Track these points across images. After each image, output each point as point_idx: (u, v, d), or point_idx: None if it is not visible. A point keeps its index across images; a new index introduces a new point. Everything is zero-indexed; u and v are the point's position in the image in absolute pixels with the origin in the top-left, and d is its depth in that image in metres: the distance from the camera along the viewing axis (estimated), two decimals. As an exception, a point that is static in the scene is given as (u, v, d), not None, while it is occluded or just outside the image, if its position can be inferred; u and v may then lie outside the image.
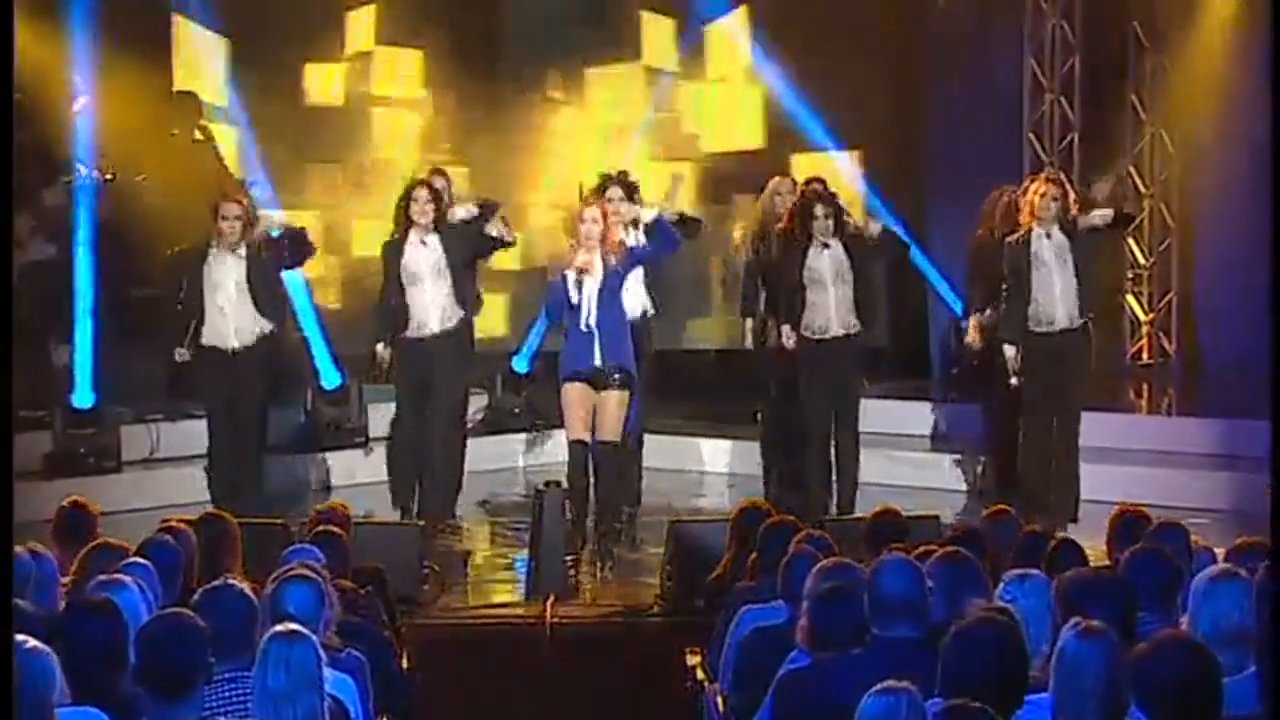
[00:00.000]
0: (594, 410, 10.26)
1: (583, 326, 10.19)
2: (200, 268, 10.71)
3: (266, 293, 10.78)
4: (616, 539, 10.45)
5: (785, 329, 11.09)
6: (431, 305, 10.89)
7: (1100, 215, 10.96)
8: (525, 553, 10.07)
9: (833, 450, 11.11)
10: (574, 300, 10.17)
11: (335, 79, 14.73)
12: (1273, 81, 7.15)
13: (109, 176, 12.94)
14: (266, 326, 10.76)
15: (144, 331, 12.49)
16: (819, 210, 10.91)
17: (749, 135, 15.23)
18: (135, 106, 13.10)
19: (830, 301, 10.93)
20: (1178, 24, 14.70)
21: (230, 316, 10.68)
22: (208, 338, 10.71)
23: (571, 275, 10.16)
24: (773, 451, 11.86)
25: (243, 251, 10.70)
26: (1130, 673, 4.72)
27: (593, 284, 10.18)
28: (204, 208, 10.99)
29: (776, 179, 12.06)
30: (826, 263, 10.91)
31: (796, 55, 14.58)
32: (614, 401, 10.26)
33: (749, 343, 11.84)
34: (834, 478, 11.09)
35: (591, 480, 10.30)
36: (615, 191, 10.81)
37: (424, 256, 10.86)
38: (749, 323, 11.80)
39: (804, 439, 11.14)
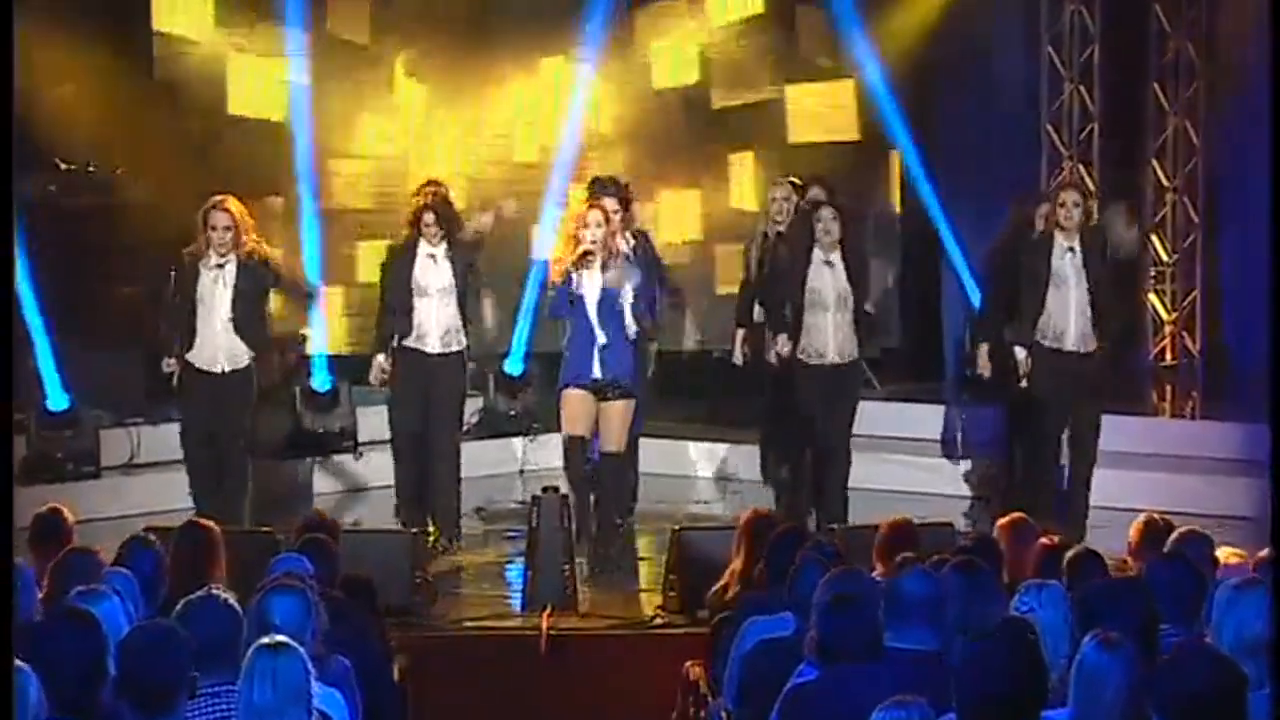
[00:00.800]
0: (596, 417, 10.34)
1: (583, 338, 10.28)
2: (193, 282, 10.58)
3: (254, 314, 10.67)
4: (610, 549, 10.46)
5: (781, 338, 10.93)
6: (436, 321, 10.90)
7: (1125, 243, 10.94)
8: (521, 561, 10.08)
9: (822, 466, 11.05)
10: (578, 292, 10.21)
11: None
12: (1272, 81, 7.17)
13: (89, 169, 12.95)
14: (252, 351, 10.64)
15: (124, 331, 12.49)
16: (824, 212, 10.80)
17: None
18: (115, 95, 13.12)
19: (829, 326, 10.78)
20: (1202, 9, 14.70)
21: (218, 339, 10.58)
22: (193, 357, 10.59)
23: (574, 273, 10.22)
24: (767, 460, 11.91)
25: (232, 267, 10.55)
26: (1152, 686, 4.73)
27: (593, 293, 10.24)
28: (188, 203, 10.93)
29: (776, 183, 12.06)
30: (829, 282, 10.75)
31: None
32: (618, 412, 10.36)
33: (736, 357, 11.83)
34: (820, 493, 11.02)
35: (593, 484, 10.39)
36: (610, 203, 10.84)
37: (434, 273, 10.89)
38: (741, 334, 11.80)
39: (793, 455, 11.09)
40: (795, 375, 10.91)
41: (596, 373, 10.34)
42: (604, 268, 10.31)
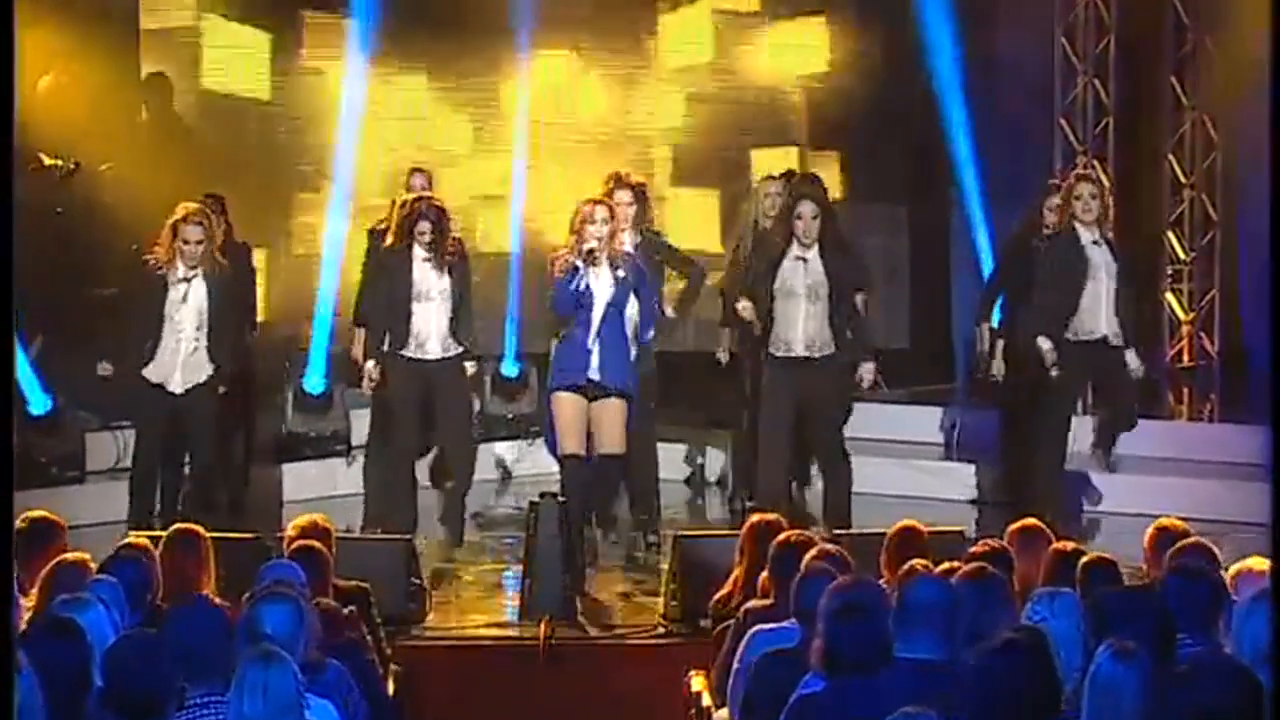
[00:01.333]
0: (589, 422, 10.25)
1: (582, 340, 10.19)
2: (160, 296, 10.46)
3: (229, 328, 10.62)
4: (634, 549, 10.38)
5: (744, 303, 10.81)
6: (435, 328, 10.75)
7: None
8: (519, 568, 10.07)
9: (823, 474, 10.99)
10: (585, 289, 10.15)
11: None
12: (1272, 79, 7.18)
13: (73, 166, 12.96)
14: (221, 367, 10.57)
15: (110, 332, 12.47)
16: (803, 209, 10.65)
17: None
18: (100, 90, 13.12)
19: (800, 317, 10.63)
20: (1221, -1, 14.70)
21: (181, 355, 10.48)
22: (152, 371, 10.50)
23: (581, 265, 10.15)
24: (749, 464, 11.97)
25: (202, 281, 10.44)
26: (1169, 698, 4.73)
27: (602, 292, 10.18)
28: (175, 201, 10.90)
29: (765, 178, 12.06)
30: (800, 275, 10.62)
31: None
32: (613, 410, 10.23)
33: (721, 355, 11.81)
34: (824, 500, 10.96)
35: (595, 495, 10.35)
36: (623, 195, 10.82)
37: (434, 276, 10.74)
38: (727, 334, 11.78)
39: (764, 457, 11.05)
40: (764, 373, 10.84)
41: (594, 374, 10.23)
42: (613, 265, 10.24)
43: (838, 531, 9.94)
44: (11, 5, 6.03)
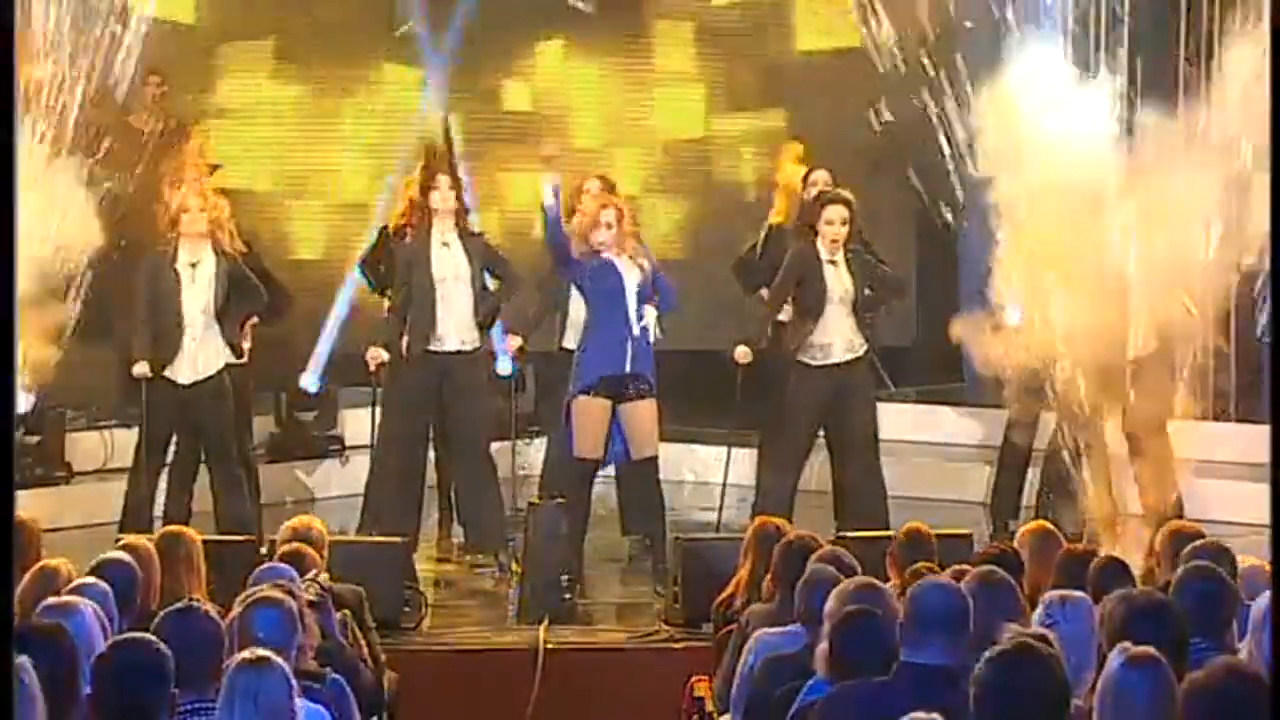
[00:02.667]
0: (614, 426, 10.23)
1: (615, 329, 10.16)
2: (157, 283, 10.42)
3: (241, 312, 10.58)
4: (662, 558, 10.36)
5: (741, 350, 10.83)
6: (452, 317, 10.64)
7: None
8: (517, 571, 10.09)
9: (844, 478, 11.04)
10: (615, 281, 10.14)
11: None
12: (1272, 79, 7.21)
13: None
14: (232, 357, 10.55)
15: (96, 326, 12.47)
16: (832, 213, 10.62)
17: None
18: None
19: (832, 324, 10.64)
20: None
21: (187, 349, 10.44)
22: (157, 364, 10.45)
23: (605, 254, 10.17)
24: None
25: (208, 266, 10.40)
26: (1183, 704, 4.74)
27: (632, 281, 10.17)
28: (159, 190, 10.87)
29: (817, 172, 11.99)
30: (835, 283, 10.64)
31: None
32: (646, 412, 10.24)
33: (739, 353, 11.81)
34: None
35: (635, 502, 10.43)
36: (593, 184, 10.84)
37: (449, 260, 10.64)
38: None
39: (777, 460, 11.05)
40: (791, 377, 10.85)
41: (627, 366, 10.14)
42: (634, 258, 10.18)
43: (842, 534, 9.97)
44: (11, 5, 6.05)
